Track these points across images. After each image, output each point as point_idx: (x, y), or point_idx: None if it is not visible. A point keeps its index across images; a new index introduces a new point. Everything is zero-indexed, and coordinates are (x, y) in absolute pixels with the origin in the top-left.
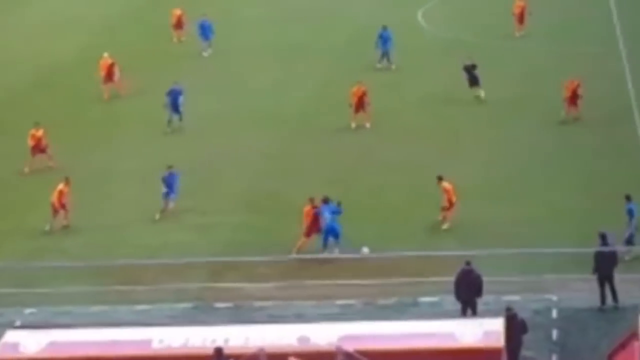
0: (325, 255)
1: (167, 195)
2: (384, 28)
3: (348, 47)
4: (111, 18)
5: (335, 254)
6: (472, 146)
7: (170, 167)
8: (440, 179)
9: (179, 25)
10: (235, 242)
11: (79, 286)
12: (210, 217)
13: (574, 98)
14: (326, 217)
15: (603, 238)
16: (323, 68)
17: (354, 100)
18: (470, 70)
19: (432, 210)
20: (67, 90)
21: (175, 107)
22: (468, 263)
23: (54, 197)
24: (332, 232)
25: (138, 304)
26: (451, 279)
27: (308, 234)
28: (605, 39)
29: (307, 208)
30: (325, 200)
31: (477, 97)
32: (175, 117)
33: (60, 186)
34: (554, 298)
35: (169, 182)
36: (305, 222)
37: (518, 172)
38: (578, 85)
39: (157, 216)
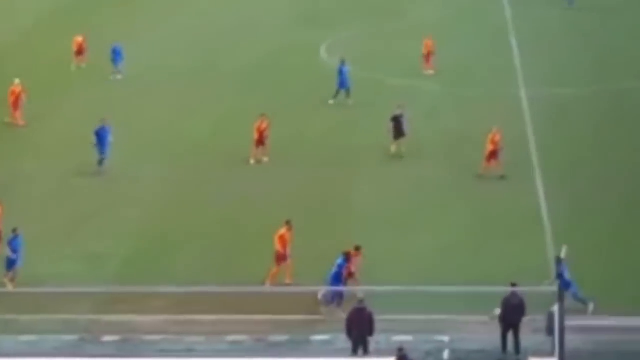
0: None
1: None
2: (343, 63)
3: (251, 76)
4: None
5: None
6: (368, 180)
7: None
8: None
9: (80, 52)
10: (126, 273)
11: None
12: (102, 246)
13: (496, 151)
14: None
15: (513, 287)
16: (228, 95)
17: (256, 134)
18: (398, 120)
19: (322, 246)
20: None
21: (102, 146)
22: (360, 301)
23: None
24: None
25: (23, 334)
26: (344, 316)
27: (281, 260)
28: (506, 80)
29: (283, 231)
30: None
31: (398, 152)
32: (104, 156)
33: None
34: (446, 339)
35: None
36: (281, 247)
37: (412, 209)
38: (498, 137)
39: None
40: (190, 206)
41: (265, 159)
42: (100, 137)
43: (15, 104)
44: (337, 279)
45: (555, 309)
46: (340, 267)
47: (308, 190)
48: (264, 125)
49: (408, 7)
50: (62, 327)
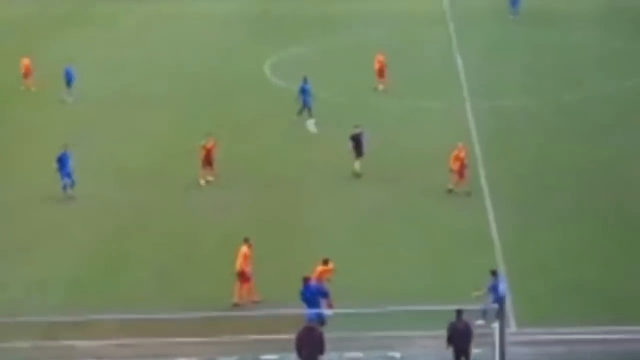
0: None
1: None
2: (305, 81)
3: (195, 97)
4: None
5: None
6: (322, 198)
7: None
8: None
9: (27, 74)
10: (72, 298)
11: None
12: (46, 271)
13: (462, 168)
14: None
15: (458, 313)
16: (171, 117)
17: (202, 154)
18: (357, 139)
19: (279, 264)
20: None
21: (65, 171)
22: (310, 320)
23: None
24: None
25: None
26: (292, 336)
27: (246, 279)
28: (452, 94)
29: (244, 249)
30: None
31: (355, 171)
32: (68, 181)
33: None
34: (398, 355)
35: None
36: (244, 266)
37: (357, 225)
38: (463, 153)
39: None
40: (140, 229)
41: (212, 179)
42: (62, 162)
43: None
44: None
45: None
46: (310, 292)
47: (261, 208)
48: (210, 145)
49: (351, 25)
50: (5, 356)
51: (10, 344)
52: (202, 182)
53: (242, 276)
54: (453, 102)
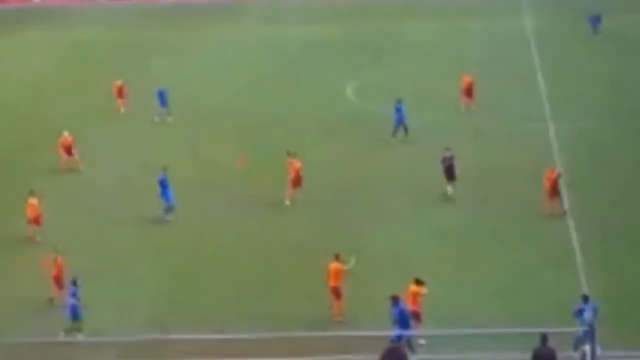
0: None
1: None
2: (399, 101)
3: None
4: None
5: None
6: (399, 220)
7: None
8: None
9: (120, 94)
10: (152, 319)
11: None
12: (127, 292)
13: (554, 189)
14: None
15: (543, 339)
16: (272, 140)
17: (292, 174)
18: (448, 162)
19: (355, 285)
20: None
21: (165, 194)
22: (393, 341)
23: None
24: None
25: None
26: (374, 356)
27: (340, 295)
28: (535, 117)
29: (337, 265)
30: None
31: (447, 194)
32: (167, 204)
33: None
34: None
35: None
36: (337, 282)
37: (440, 244)
38: (558, 176)
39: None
40: (221, 248)
41: (298, 197)
42: (164, 186)
43: (69, 152)
44: (404, 322)
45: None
46: (400, 313)
47: (345, 230)
48: (298, 165)
49: (431, 47)
50: None
51: None
52: (288, 202)
53: (337, 292)
54: (536, 123)
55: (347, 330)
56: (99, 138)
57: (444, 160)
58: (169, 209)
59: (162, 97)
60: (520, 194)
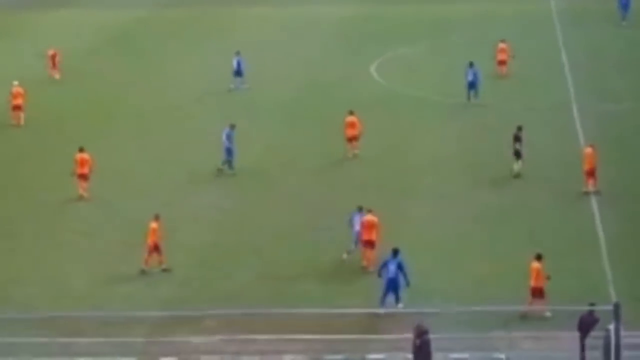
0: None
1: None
2: (471, 65)
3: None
4: None
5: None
6: (419, 202)
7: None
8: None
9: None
10: (182, 296)
11: (21, 337)
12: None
13: (592, 171)
14: (391, 270)
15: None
16: (270, 124)
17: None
18: (517, 139)
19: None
20: None
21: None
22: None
23: None
24: (392, 287)
25: (80, 356)
26: (400, 336)
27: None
28: (558, 92)
29: (370, 217)
30: (395, 251)
31: (515, 171)
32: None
33: None
34: (503, 356)
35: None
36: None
37: (465, 229)
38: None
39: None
40: (248, 224)
41: (357, 152)
42: (230, 140)
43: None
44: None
45: (611, 327)
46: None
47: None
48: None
49: (459, 26)
50: (120, 350)
51: (124, 339)
52: (350, 155)
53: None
54: (560, 103)
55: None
56: None
57: (515, 137)
58: (229, 163)
59: (239, 66)
60: (544, 174)
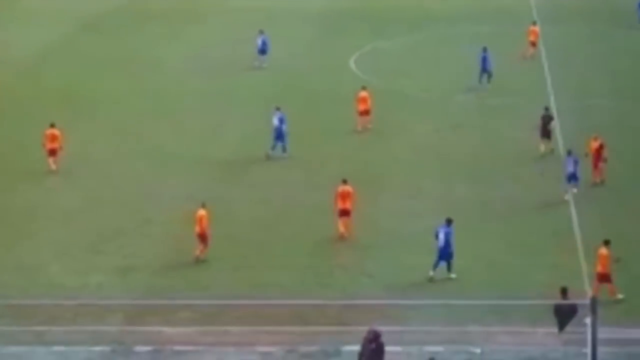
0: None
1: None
2: (484, 50)
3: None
4: None
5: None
6: (395, 195)
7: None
8: None
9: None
10: (156, 286)
11: None
12: (131, 259)
13: (597, 159)
14: (440, 239)
15: (563, 292)
16: (247, 115)
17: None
18: (546, 121)
19: (353, 256)
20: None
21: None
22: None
23: None
24: (443, 256)
25: (55, 345)
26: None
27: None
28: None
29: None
30: (449, 221)
31: (544, 149)
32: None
33: None
34: (478, 350)
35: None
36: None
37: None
38: (601, 146)
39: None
40: (225, 215)
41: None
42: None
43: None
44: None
45: (588, 320)
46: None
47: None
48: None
49: (438, 21)
50: (94, 339)
51: (99, 327)
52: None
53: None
54: (536, 99)
55: (347, 300)
56: None
57: (543, 117)
58: (283, 147)
59: (264, 45)
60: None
